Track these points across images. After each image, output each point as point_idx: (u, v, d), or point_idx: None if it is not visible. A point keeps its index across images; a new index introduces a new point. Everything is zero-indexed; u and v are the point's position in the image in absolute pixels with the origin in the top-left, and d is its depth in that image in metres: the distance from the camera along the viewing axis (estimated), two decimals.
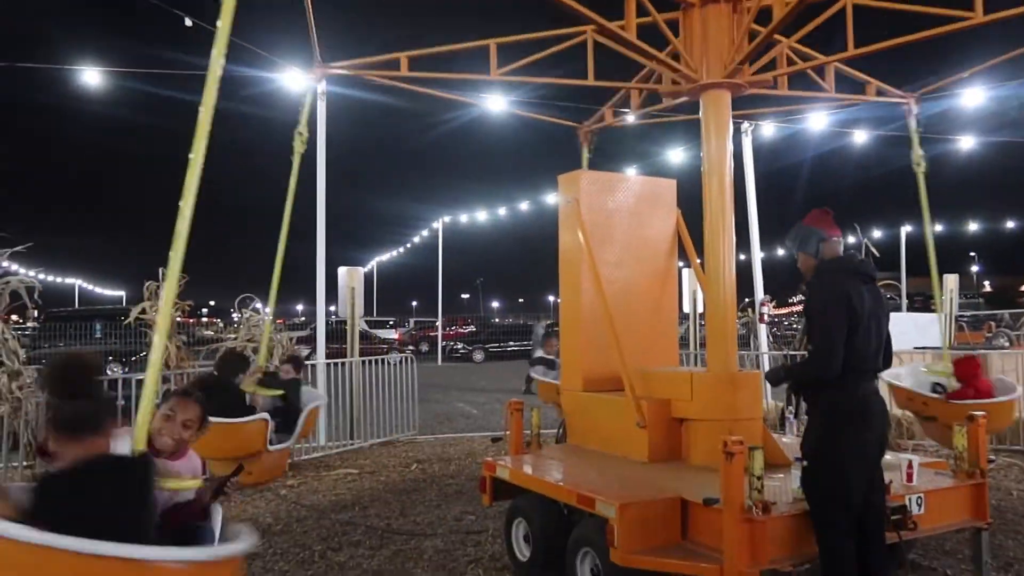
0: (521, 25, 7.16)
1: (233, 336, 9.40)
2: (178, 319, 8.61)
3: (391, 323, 39.17)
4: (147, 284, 8.56)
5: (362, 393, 10.23)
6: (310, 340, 12.91)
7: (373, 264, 49.80)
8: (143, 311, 8.19)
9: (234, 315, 9.91)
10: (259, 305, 10.39)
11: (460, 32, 8.04)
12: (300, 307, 58.76)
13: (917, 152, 8.21)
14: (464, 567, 5.19)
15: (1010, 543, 5.49)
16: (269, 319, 7.89)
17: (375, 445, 9.96)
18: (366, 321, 34.92)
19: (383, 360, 10.70)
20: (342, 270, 11.00)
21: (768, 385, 9.86)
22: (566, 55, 7.02)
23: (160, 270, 8.47)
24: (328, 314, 15.71)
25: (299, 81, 9.85)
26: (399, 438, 10.41)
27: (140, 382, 7.74)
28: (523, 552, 4.93)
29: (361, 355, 10.54)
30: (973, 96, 10.57)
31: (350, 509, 6.80)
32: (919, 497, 4.25)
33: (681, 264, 8.49)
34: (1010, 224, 32.35)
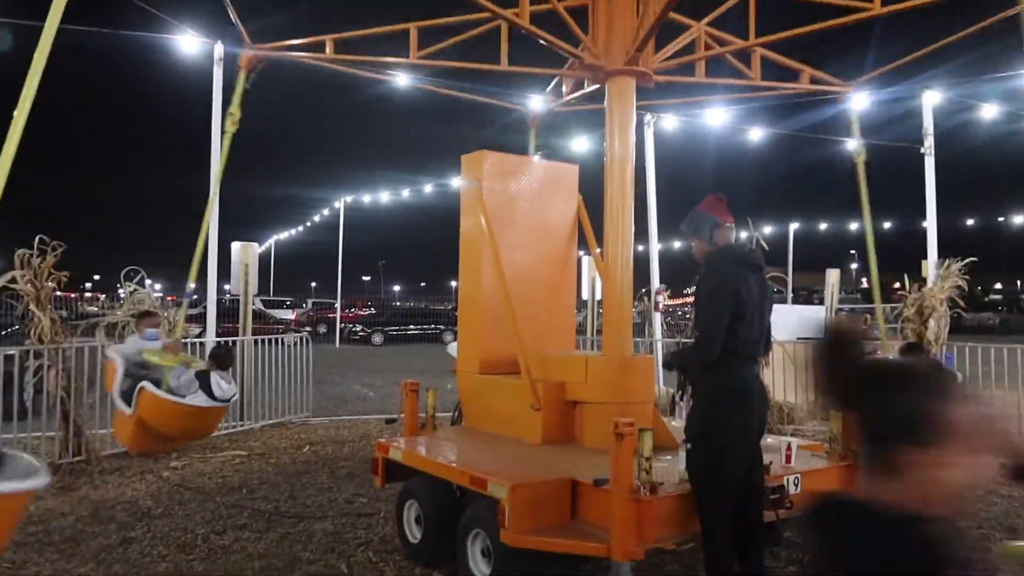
0: (431, 11, 7.25)
1: (117, 311, 8.87)
2: (57, 293, 8.03)
3: (288, 303, 38.17)
4: (18, 252, 7.98)
5: (254, 373, 9.91)
6: (203, 318, 12.40)
7: (271, 243, 48.33)
8: (12, 280, 7.60)
9: (120, 290, 9.34)
10: (148, 280, 9.86)
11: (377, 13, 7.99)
12: (194, 284, 56.41)
13: (857, 142, 7.95)
14: (353, 549, 5.10)
15: None
16: None
17: (266, 427, 9.67)
18: (262, 300, 33.90)
19: (278, 340, 10.39)
20: (235, 245, 10.61)
21: (661, 370, 10.16)
22: (483, 39, 7.05)
23: (38, 238, 7.91)
24: (223, 292, 15.12)
25: (193, 44, 9.42)
26: (292, 420, 10.15)
27: (9, 357, 7.22)
28: (414, 534, 4.89)
29: (254, 335, 10.21)
30: (859, 100, 11.12)
31: (237, 492, 6.57)
32: (796, 478, 4.45)
33: (582, 252, 8.60)
34: (887, 224, 34.38)
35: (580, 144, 14.06)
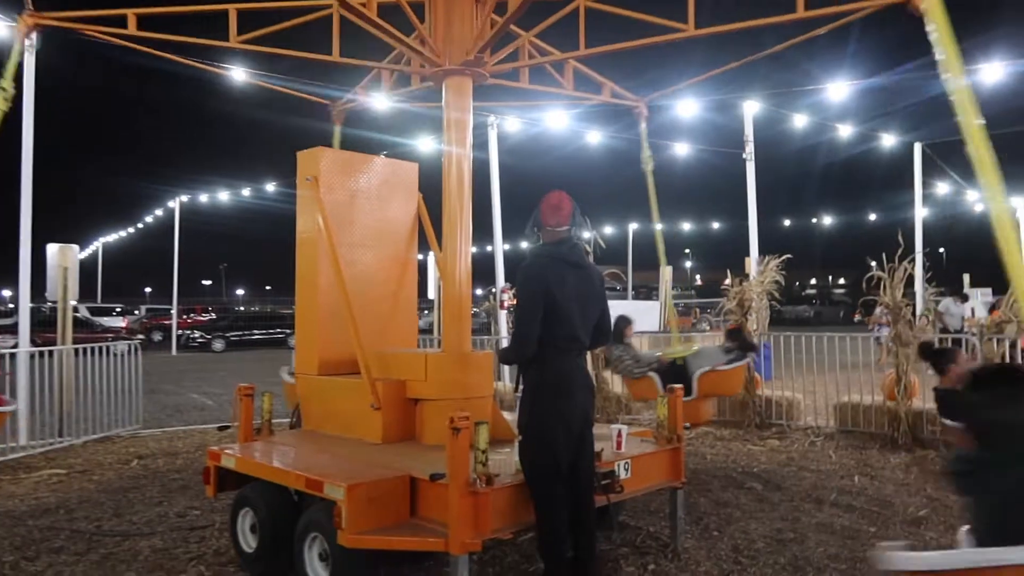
0: None
1: None
2: None
3: (118, 309, 35.66)
4: None
5: (75, 385, 9.20)
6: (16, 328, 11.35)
7: (98, 245, 44.97)
8: None
9: None
10: None
11: None
12: (8, 292, 51.72)
13: (645, 152, 8.93)
14: (185, 565, 4.85)
15: (702, 500, 6.24)
16: None
17: (89, 442, 9.00)
18: (87, 307, 31.51)
19: (105, 349, 9.67)
20: (51, 248, 9.81)
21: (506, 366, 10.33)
22: (315, 27, 6.81)
23: None
24: (43, 300, 13.90)
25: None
26: (120, 433, 9.50)
27: None
28: (249, 543, 4.71)
29: (78, 343, 9.47)
30: (687, 107, 11.82)
31: (53, 513, 6.07)
32: (626, 463, 4.66)
33: (431, 251, 8.59)
34: (716, 225, 36.70)
35: (425, 144, 14.08)
